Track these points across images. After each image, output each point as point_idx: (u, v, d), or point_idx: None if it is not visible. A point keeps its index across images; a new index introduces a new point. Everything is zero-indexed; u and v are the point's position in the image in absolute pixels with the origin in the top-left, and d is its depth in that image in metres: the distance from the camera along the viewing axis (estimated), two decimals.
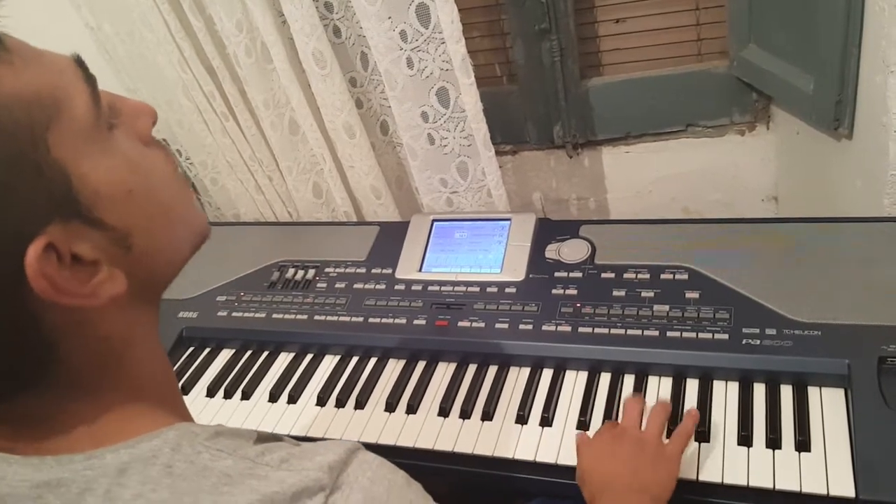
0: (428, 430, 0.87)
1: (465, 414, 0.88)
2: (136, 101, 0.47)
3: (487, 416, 0.87)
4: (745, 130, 1.30)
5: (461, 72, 1.07)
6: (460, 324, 0.96)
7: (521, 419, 0.85)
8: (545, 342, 0.91)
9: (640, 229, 1.03)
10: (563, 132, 1.36)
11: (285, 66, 1.15)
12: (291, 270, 1.13)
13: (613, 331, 0.89)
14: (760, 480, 0.72)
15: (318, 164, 1.30)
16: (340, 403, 0.94)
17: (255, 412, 0.96)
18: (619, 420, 0.78)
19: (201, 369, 1.06)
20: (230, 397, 1.00)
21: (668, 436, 0.75)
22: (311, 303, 1.07)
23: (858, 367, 0.76)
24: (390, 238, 1.12)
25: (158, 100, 1.32)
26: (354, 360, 1.00)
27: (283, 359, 1.04)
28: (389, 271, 1.07)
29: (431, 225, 1.11)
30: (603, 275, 0.96)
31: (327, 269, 1.11)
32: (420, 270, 1.06)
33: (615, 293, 0.93)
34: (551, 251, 1.02)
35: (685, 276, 0.92)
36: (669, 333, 0.86)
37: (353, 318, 1.02)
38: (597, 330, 0.89)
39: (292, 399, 0.96)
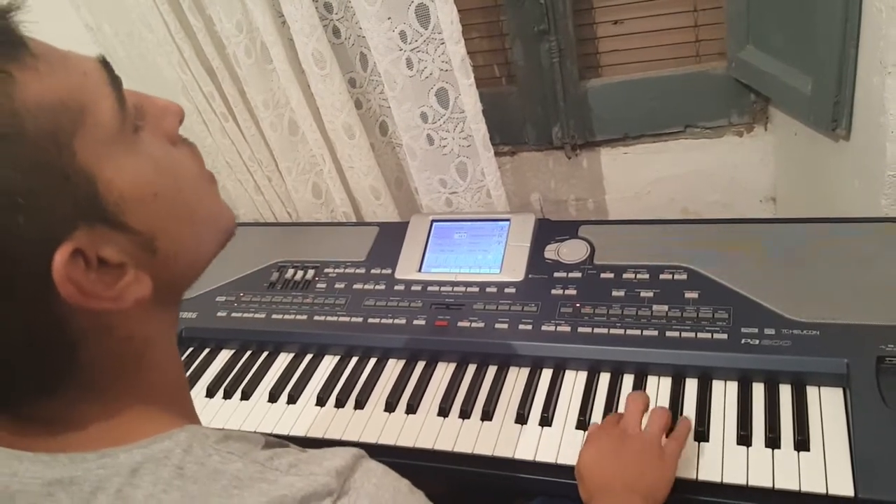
0: (428, 430, 0.87)
1: (465, 414, 0.88)
2: (162, 101, 0.46)
3: (487, 415, 0.87)
4: (744, 131, 1.30)
5: (460, 72, 1.07)
6: (460, 324, 0.96)
7: (521, 419, 0.85)
8: (545, 342, 0.91)
9: (639, 230, 1.03)
10: (561, 133, 1.36)
11: (285, 66, 1.15)
12: (291, 271, 1.13)
13: (613, 331, 0.89)
14: (760, 480, 0.72)
15: (317, 164, 1.30)
16: (340, 403, 0.94)
17: (255, 412, 0.96)
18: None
19: (201, 369, 1.06)
20: (230, 397, 1.00)
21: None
22: (310, 303, 1.07)
23: (857, 367, 0.76)
24: (390, 238, 1.13)
25: None
26: (354, 360, 1.00)
27: (283, 359, 1.04)
28: (389, 272, 1.07)
29: (431, 225, 1.11)
30: (602, 275, 0.96)
31: (327, 270, 1.11)
32: (419, 271, 1.06)
33: (614, 293, 0.93)
34: (550, 251, 1.02)
35: (684, 276, 0.92)
36: (668, 333, 0.86)
37: (353, 319, 1.02)
38: (596, 330, 0.90)
39: (292, 399, 0.96)
